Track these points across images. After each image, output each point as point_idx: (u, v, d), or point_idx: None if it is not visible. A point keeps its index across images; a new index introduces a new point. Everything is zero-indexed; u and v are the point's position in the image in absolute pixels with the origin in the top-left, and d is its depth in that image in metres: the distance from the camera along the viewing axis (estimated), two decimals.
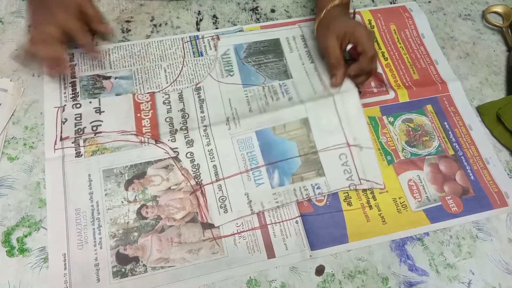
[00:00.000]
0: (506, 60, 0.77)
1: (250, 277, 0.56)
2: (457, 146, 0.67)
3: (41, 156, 0.62)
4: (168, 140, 0.63)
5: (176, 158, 0.62)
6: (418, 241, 0.60)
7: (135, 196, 0.60)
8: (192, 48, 0.72)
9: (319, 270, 0.57)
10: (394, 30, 0.78)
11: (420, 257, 0.59)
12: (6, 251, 0.55)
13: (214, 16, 0.77)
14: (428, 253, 0.59)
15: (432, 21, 0.80)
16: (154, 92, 0.67)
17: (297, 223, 0.59)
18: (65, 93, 0.67)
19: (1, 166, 0.61)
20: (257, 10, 0.79)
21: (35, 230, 0.57)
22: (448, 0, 0.83)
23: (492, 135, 0.69)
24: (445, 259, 0.59)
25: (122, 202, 0.59)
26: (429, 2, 0.83)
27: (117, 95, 0.67)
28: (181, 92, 0.67)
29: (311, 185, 0.61)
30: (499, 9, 0.81)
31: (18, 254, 0.55)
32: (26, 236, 0.56)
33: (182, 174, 0.61)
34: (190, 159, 0.62)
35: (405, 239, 0.59)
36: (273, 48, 0.73)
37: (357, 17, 0.78)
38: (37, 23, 0.65)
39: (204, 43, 0.73)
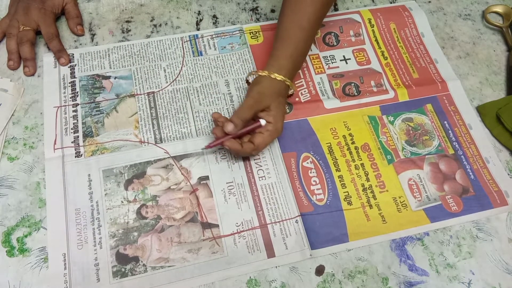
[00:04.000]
0: (506, 60, 0.76)
1: (250, 277, 0.56)
2: (457, 145, 0.67)
3: (41, 156, 0.62)
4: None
5: (176, 158, 0.62)
6: (418, 241, 0.59)
7: (135, 196, 0.59)
8: (192, 48, 0.72)
9: (319, 270, 0.57)
10: (394, 29, 0.78)
11: (420, 257, 0.58)
12: (6, 251, 0.55)
13: (214, 16, 0.77)
14: (428, 253, 0.59)
15: (432, 21, 0.80)
16: (153, 92, 0.68)
17: (297, 223, 0.59)
18: (64, 93, 0.67)
19: (1, 166, 0.61)
20: (257, 10, 0.79)
21: (35, 230, 0.57)
22: (448, 0, 0.83)
23: (492, 135, 0.69)
24: (445, 259, 0.58)
25: (122, 202, 0.59)
26: (429, 2, 0.83)
27: (116, 95, 0.67)
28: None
29: None
30: (499, 9, 0.81)
31: (18, 254, 0.55)
32: (26, 236, 0.56)
33: (182, 174, 0.61)
34: None
35: (405, 239, 0.59)
36: None
37: (357, 16, 0.78)
38: (12, 16, 0.69)
39: (203, 42, 0.73)
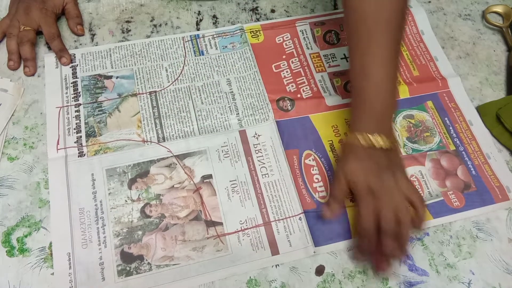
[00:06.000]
0: (506, 60, 0.77)
1: (250, 277, 0.55)
2: (458, 142, 0.67)
3: (41, 156, 0.61)
4: None
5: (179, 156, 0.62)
6: (418, 241, 0.59)
7: (139, 195, 0.59)
8: (193, 47, 0.73)
9: (319, 270, 0.57)
10: None
11: (420, 257, 0.58)
12: (6, 251, 0.55)
13: (214, 16, 0.77)
14: (428, 253, 0.59)
15: (432, 21, 0.80)
16: (155, 91, 0.68)
17: (300, 220, 0.59)
18: (66, 93, 0.66)
19: (1, 166, 0.60)
20: (257, 10, 0.79)
21: (35, 230, 0.56)
22: (448, 0, 0.83)
23: (492, 135, 0.68)
24: (445, 259, 0.58)
25: (126, 201, 0.59)
26: (429, 2, 0.83)
27: (119, 94, 0.67)
28: None
29: None
30: (499, 9, 0.81)
31: (18, 254, 0.55)
32: (26, 236, 0.56)
33: (185, 172, 0.61)
34: None
35: None
36: None
37: None
38: (12, 17, 0.69)
39: (204, 42, 0.73)
